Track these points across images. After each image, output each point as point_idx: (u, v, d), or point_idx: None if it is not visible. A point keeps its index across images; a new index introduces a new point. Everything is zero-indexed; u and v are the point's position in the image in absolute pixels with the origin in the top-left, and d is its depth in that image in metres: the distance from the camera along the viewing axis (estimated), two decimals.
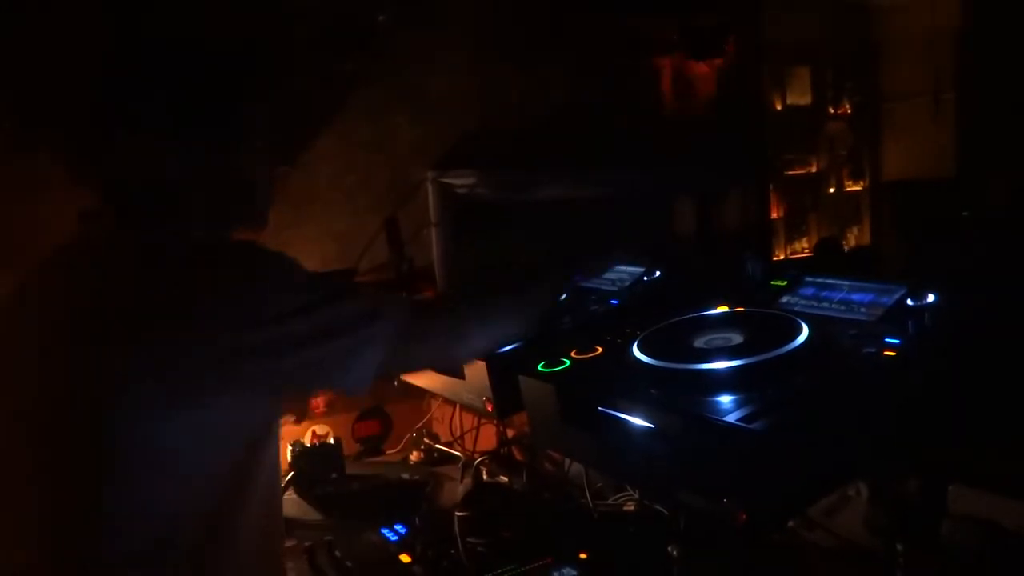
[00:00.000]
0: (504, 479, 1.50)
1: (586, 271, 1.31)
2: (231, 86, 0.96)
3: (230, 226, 0.98)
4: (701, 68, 2.29)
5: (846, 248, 4.15)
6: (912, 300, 0.95)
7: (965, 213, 3.68)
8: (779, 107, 4.04)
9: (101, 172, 0.91)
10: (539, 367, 1.05)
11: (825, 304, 1.05)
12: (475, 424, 1.79)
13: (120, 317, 0.84)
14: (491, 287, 1.17)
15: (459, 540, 1.22)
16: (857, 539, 1.01)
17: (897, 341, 0.88)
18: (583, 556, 1.16)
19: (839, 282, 1.08)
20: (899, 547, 0.94)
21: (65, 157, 0.94)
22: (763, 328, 0.96)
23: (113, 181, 0.91)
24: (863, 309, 1.00)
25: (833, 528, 1.04)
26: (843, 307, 1.03)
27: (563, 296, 1.25)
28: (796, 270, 1.14)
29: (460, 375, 1.24)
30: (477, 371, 1.24)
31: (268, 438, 0.94)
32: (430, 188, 1.98)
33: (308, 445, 1.64)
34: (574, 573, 1.13)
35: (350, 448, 1.83)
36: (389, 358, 0.95)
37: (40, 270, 0.95)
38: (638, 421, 0.90)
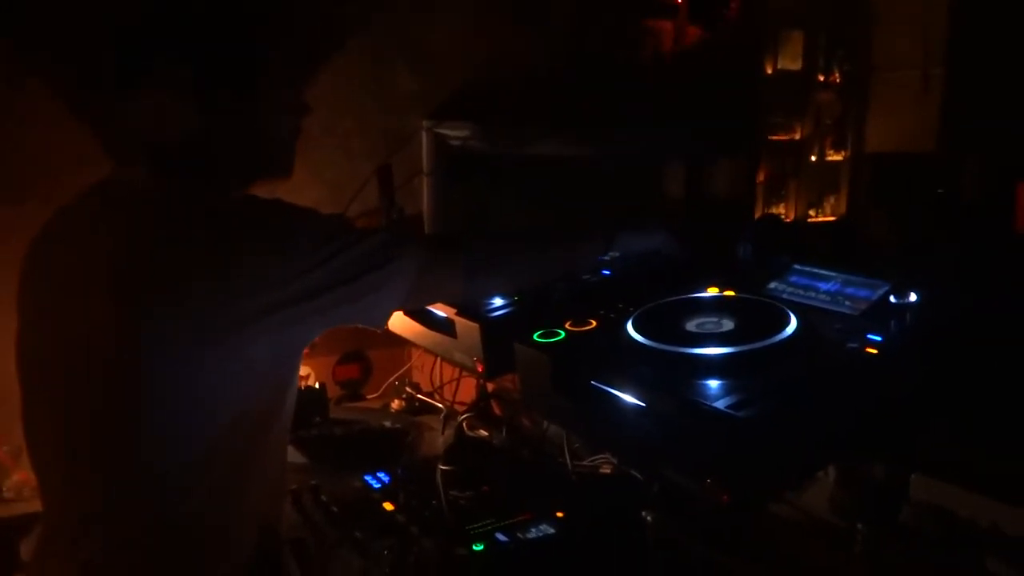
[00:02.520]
0: (484, 433, 1.55)
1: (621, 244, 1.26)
2: (249, 35, 0.96)
3: (257, 177, 1.00)
4: (701, 32, 2.28)
5: (820, 217, 4.21)
6: (895, 298, 0.99)
7: (940, 191, 3.74)
8: (770, 71, 4.03)
9: (116, 123, 0.91)
10: (535, 336, 1.08)
11: (812, 294, 1.09)
12: (455, 376, 1.83)
13: (160, 267, 0.86)
14: (521, 234, 1.22)
15: (442, 492, 1.26)
16: (822, 516, 1.08)
17: (879, 339, 0.93)
18: (560, 515, 1.22)
19: (827, 273, 1.12)
20: (860, 527, 1.00)
21: (89, 108, 0.94)
22: (753, 316, 1.00)
23: (130, 132, 0.91)
24: (848, 303, 1.04)
25: (800, 505, 1.10)
26: (829, 299, 1.07)
27: (606, 256, 1.27)
28: (786, 256, 1.18)
29: (478, 311, 1.25)
30: (469, 332, 1.27)
31: (292, 378, 0.99)
32: (424, 138, 1.97)
33: (295, 387, 1.66)
34: (551, 531, 1.18)
35: (330, 391, 1.86)
36: (411, 291, 1.00)
37: (75, 211, 0.96)
38: (629, 398, 0.94)
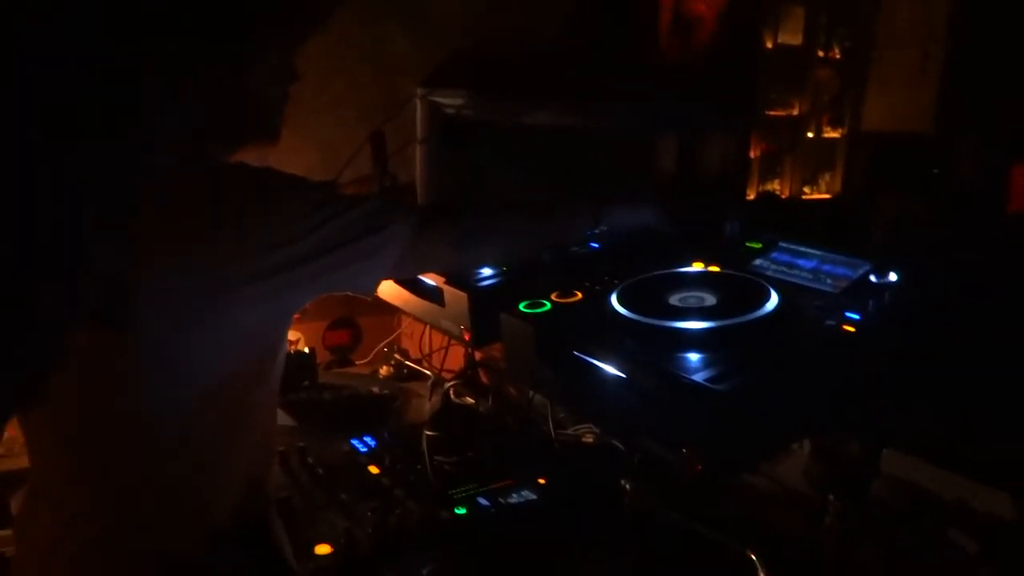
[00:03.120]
0: (471, 401, 1.57)
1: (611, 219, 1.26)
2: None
3: (245, 141, 1.00)
4: (701, 8, 2.26)
5: (815, 195, 4.21)
6: (875, 277, 1.01)
7: (936, 171, 3.75)
8: (769, 45, 4.00)
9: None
10: (520, 306, 1.10)
11: (795, 271, 1.10)
12: (444, 343, 1.85)
13: (150, 230, 0.86)
14: (513, 206, 1.23)
15: (427, 457, 1.29)
16: (796, 488, 1.10)
17: (857, 317, 0.95)
18: (542, 481, 1.25)
19: (810, 250, 1.14)
20: (831, 498, 1.03)
21: None
22: (735, 291, 1.02)
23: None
24: (829, 280, 1.06)
25: (775, 476, 1.13)
26: (811, 276, 1.08)
27: (595, 231, 1.26)
28: (772, 234, 1.19)
29: (467, 281, 1.27)
30: (457, 301, 1.29)
31: (282, 343, 1.00)
32: (418, 105, 1.96)
33: (285, 352, 1.68)
34: (533, 497, 1.21)
35: (320, 356, 1.88)
36: (402, 259, 1.01)
37: None
38: (611, 369, 0.95)
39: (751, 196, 4.02)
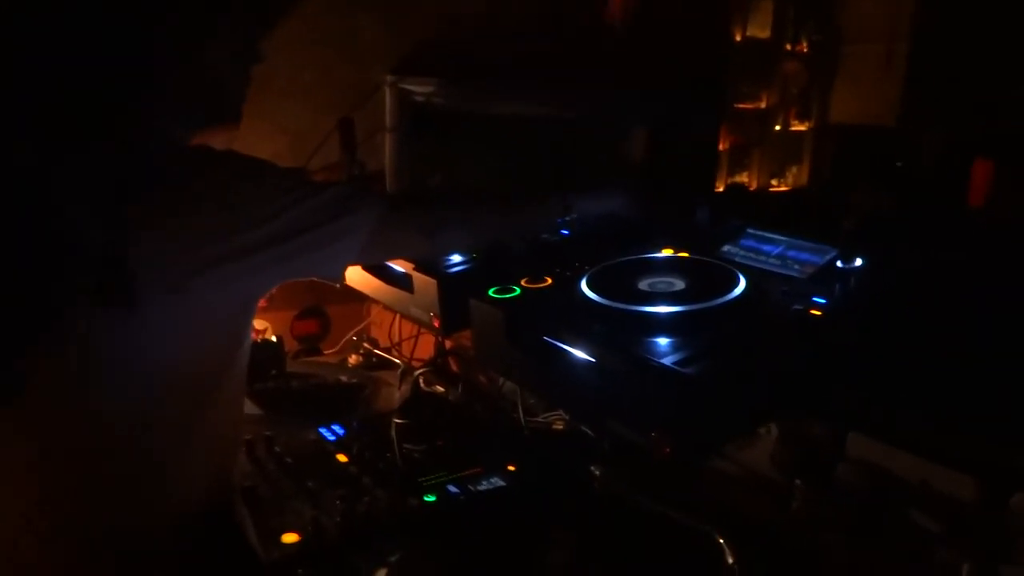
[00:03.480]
0: (441, 389, 1.56)
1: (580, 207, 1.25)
2: None
3: (204, 125, 0.98)
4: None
5: (782, 187, 4.26)
6: (841, 263, 1.02)
7: (899, 164, 3.81)
8: (738, 38, 4.03)
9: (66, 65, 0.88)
10: (490, 292, 1.09)
11: (763, 257, 1.11)
12: (414, 332, 1.84)
13: (109, 214, 0.84)
14: (482, 193, 1.22)
15: (396, 445, 1.28)
16: (762, 471, 1.11)
17: (823, 301, 0.96)
18: (511, 468, 1.24)
19: (778, 237, 1.15)
20: (797, 482, 1.04)
21: None
22: (704, 277, 1.02)
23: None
24: (796, 266, 1.07)
25: (743, 460, 1.14)
26: (779, 262, 1.09)
27: (565, 219, 1.25)
28: (740, 221, 1.20)
29: (436, 267, 1.26)
30: (426, 287, 1.28)
31: (247, 330, 0.99)
32: (388, 92, 1.94)
33: (250, 340, 1.66)
34: (502, 483, 1.21)
35: (288, 345, 1.86)
36: (369, 245, 1.00)
37: None
38: (580, 354, 0.95)
39: (720, 188, 4.06)
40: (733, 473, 1.16)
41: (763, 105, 4.52)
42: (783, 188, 4.43)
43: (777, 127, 4.53)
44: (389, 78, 1.94)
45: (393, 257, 1.26)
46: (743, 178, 4.33)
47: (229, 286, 0.89)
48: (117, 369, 0.88)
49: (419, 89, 1.95)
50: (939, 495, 0.92)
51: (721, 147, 4.22)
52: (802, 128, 4.66)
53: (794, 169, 4.70)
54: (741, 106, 4.35)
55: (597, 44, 2.14)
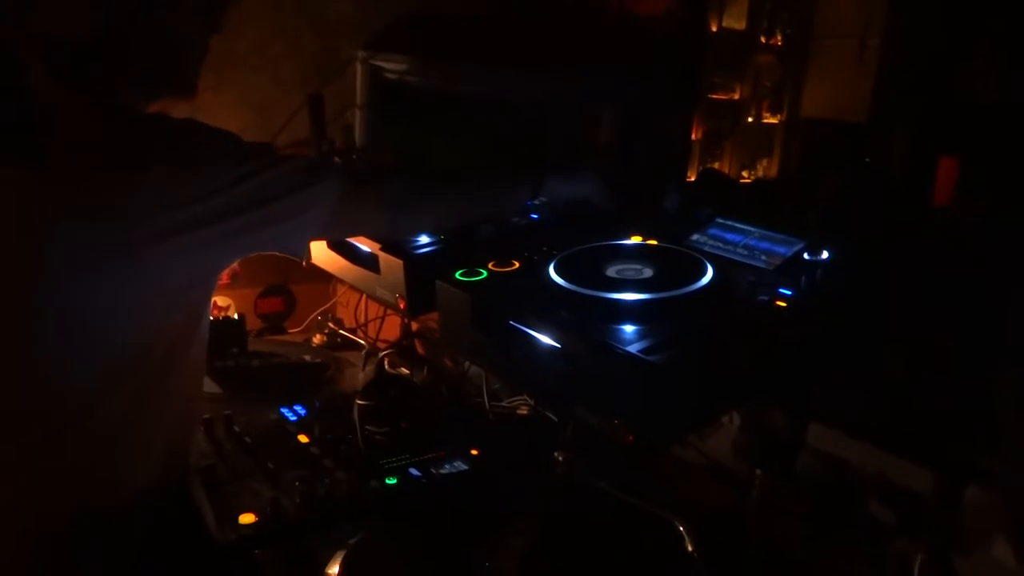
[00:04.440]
0: (405, 371, 1.55)
1: (550, 190, 1.24)
2: None
3: (158, 92, 0.95)
4: None
5: (752, 179, 4.29)
6: (808, 255, 1.02)
7: (867, 159, 3.87)
8: (714, 28, 4.05)
9: (22, 18, 0.85)
10: (457, 275, 1.08)
11: (731, 247, 1.11)
12: (380, 313, 1.82)
13: (65, 182, 0.82)
14: (450, 174, 1.20)
15: (358, 427, 1.26)
16: (724, 460, 1.12)
17: (789, 292, 0.96)
18: (474, 452, 1.24)
19: (746, 228, 1.15)
20: (759, 472, 1.05)
21: None
22: (672, 265, 1.02)
23: (35, 34, 0.85)
24: (764, 257, 1.07)
25: (704, 449, 1.14)
26: (746, 252, 1.09)
27: (534, 201, 1.24)
28: (709, 210, 1.20)
29: (403, 248, 1.23)
30: (392, 268, 1.26)
31: (206, 304, 0.96)
32: (359, 68, 1.91)
33: (210, 318, 1.63)
34: (464, 467, 1.20)
35: (252, 324, 1.83)
36: (330, 221, 0.98)
37: None
38: (546, 339, 0.95)
39: (692, 176, 4.08)
40: (695, 461, 1.16)
41: (736, 96, 4.55)
42: (753, 179, 4.46)
43: (749, 119, 4.56)
44: (360, 54, 1.91)
45: (357, 234, 1.24)
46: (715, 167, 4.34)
47: (187, 257, 0.87)
48: (67, 336, 0.85)
49: (391, 66, 1.92)
50: (896, 487, 0.93)
51: (694, 137, 4.23)
52: (774, 121, 4.70)
53: (764, 161, 4.74)
54: (715, 96, 4.37)
55: (572, 26, 2.13)
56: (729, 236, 1.14)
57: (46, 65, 0.86)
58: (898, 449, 0.94)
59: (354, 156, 1.79)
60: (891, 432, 0.97)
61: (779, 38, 4.56)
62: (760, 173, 4.58)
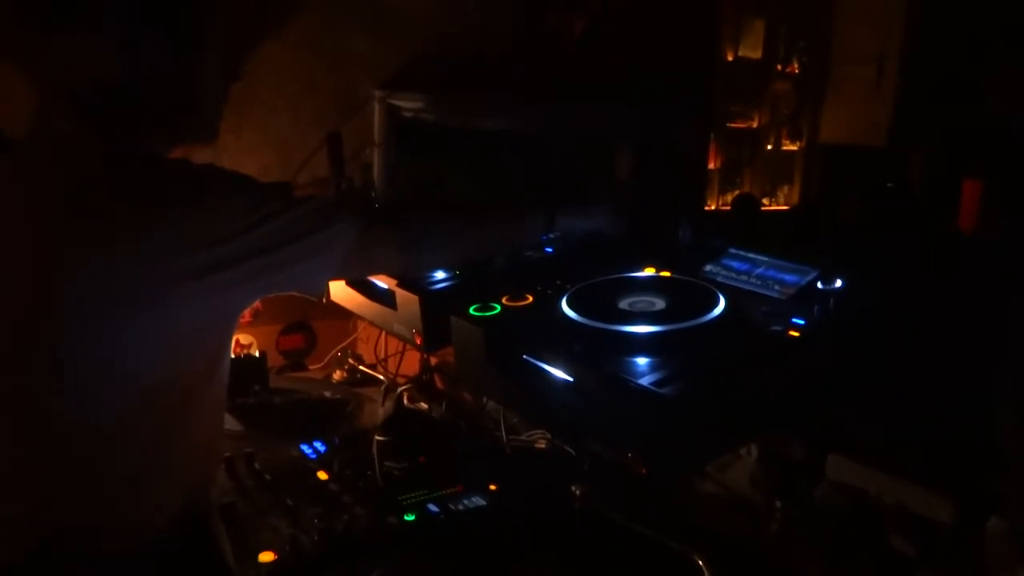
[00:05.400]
0: (424, 406, 1.56)
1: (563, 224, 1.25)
2: None
3: (179, 137, 0.98)
4: (663, 16, 2.29)
5: (773, 206, 4.28)
6: (821, 284, 1.02)
7: (890, 184, 3.84)
8: (730, 58, 4.07)
9: (47, 70, 0.88)
10: (471, 310, 1.09)
11: (744, 277, 1.11)
12: (399, 349, 1.83)
13: (85, 225, 0.84)
14: (465, 209, 1.21)
15: (377, 463, 1.27)
16: (742, 492, 1.11)
17: (802, 322, 0.96)
18: (493, 488, 1.24)
19: (759, 257, 1.15)
20: (778, 503, 1.04)
21: (18, 49, 0.90)
22: (684, 296, 1.02)
23: (56, 76, 0.89)
24: (777, 287, 1.07)
25: (723, 481, 1.13)
26: (759, 282, 1.09)
27: (549, 236, 1.24)
28: (722, 240, 1.20)
29: (419, 283, 1.25)
30: (409, 304, 1.28)
31: (226, 345, 0.98)
32: (376, 107, 1.95)
33: (232, 355, 1.65)
34: (483, 503, 1.20)
35: (273, 360, 1.85)
36: (347, 261, 0.99)
37: None
38: (559, 373, 0.95)
39: (711, 205, 4.08)
40: (713, 493, 1.15)
41: (754, 124, 4.56)
42: (774, 207, 4.45)
43: (768, 146, 4.56)
44: (378, 93, 1.95)
45: (373, 273, 1.26)
46: (733, 196, 4.33)
47: (206, 299, 0.89)
48: (92, 379, 0.87)
49: (407, 104, 1.96)
50: (916, 517, 0.92)
51: (712, 166, 4.25)
52: (793, 148, 4.69)
53: (785, 188, 4.72)
54: (733, 125, 4.39)
55: (585, 61, 2.16)
56: (742, 266, 1.14)
57: (68, 110, 0.89)
58: (918, 478, 0.93)
59: (372, 193, 1.82)
60: (911, 461, 0.96)
61: (795, 66, 4.55)
62: (781, 200, 4.53)
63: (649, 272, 1.16)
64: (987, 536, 0.85)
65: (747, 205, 3.94)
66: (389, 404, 1.59)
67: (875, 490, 0.96)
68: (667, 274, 1.15)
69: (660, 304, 1.01)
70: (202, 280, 0.87)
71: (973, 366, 0.98)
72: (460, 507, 1.18)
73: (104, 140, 0.90)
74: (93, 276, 0.83)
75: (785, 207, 4.32)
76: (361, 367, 1.85)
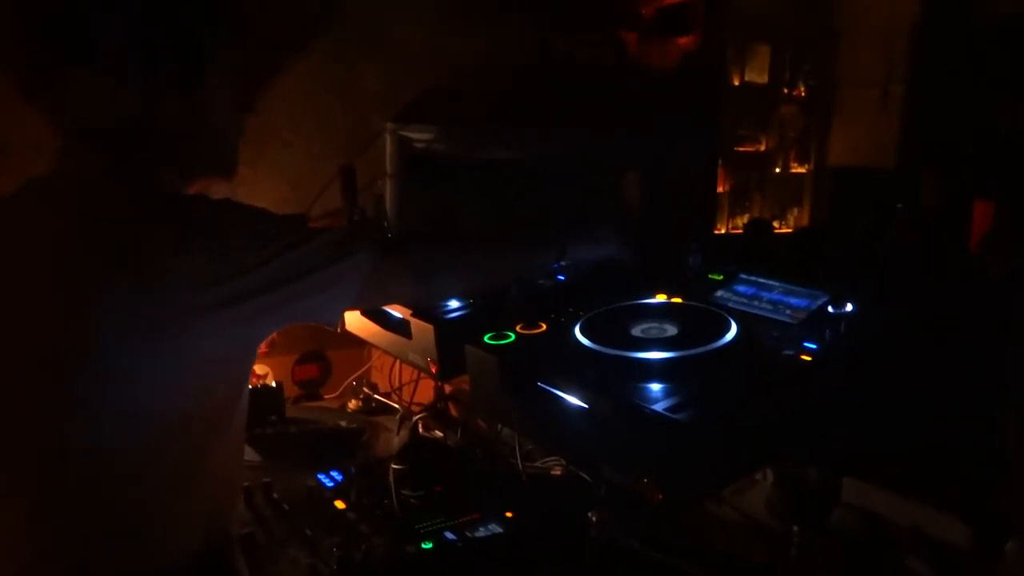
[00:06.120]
0: (439, 434, 1.57)
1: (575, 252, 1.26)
2: (199, 25, 0.96)
3: (196, 172, 1.00)
4: (667, 45, 2.32)
5: (784, 228, 4.28)
6: (832, 308, 1.03)
7: (900, 205, 3.84)
8: (736, 83, 4.11)
9: (63, 107, 0.91)
10: (485, 338, 1.10)
11: (755, 303, 1.12)
12: (414, 377, 1.84)
13: (104, 260, 0.86)
14: (478, 239, 1.23)
15: (393, 491, 1.28)
16: (759, 517, 1.11)
17: (814, 347, 0.96)
18: (509, 515, 1.24)
19: (770, 282, 1.16)
20: (795, 528, 1.04)
21: (26, 85, 0.93)
22: (696, 322, 1.03)
23: (76, 116, 0.91)
24: (788, 311, 1.08)
25: (739, 506, 1.13)
26: (771, 307, 1.10)
27: (560, 263, 1.26)
28: (734, 266, 1.22)
29: (433, 312, 1.27)
30: (423, 333, 1.29)
31: (245, 378, 0.99)
32: (388, 140, 1.98)
33: (249, 386, 1.66)
34: (499, 530, 1.20)
35: (289, 391, 1.87)
36: (363, 291, 1.01)
37: (12, 203, 0.95)
38: (573, 400, 0.96)
39: (721, 229, 4.09)
40: (730, 518, 1.15)
41: (762, 148, 4.58)
42: (784, 229, 4.45)
43: (777, 169, 4.57)
44: (389, 126, 1.99)
45: (388, 303, 1.28)
46: (743, 220, 4.34)
47: (224, 333, 0.91)
48: (115, 413, 0.88)
49: (419, 136, 1.99)
50: (933, 541, 0.91)
51: (721, 189, 4.26)
52: (802, 171, 4.70)
53: (795, 211, 4.73)
54: (741, 149, 4.41)
55: (594, 89, 2.19)
56: (754, 291, 1.16)
57: (90, 149, 0.92)
58: (934, 501, 0.93)
59: (385, 224, 1.85)
60: (928, 485, 0.96)
61: (802, 89, 4.57)
62: (791, 223, 4.53)
63: (660, 298, 1.17)
64: (1004, 560, 0.85)
65: (759, 229, 3.95)
66: (404, 432, 1.59)
67: (891, 513, 0.96)
68: (678, 300, 1.16)
69: (672, 330, 1.02)
70: (224, 313, 0.88)
71: (987, 385, 0.98)
72: (477, 534, 1.19)
73: (126, 177, 0.92)
74: (117, 312, 0.85)
75: (790, 230, 4.33)
76: (376, 396, 1.86)
